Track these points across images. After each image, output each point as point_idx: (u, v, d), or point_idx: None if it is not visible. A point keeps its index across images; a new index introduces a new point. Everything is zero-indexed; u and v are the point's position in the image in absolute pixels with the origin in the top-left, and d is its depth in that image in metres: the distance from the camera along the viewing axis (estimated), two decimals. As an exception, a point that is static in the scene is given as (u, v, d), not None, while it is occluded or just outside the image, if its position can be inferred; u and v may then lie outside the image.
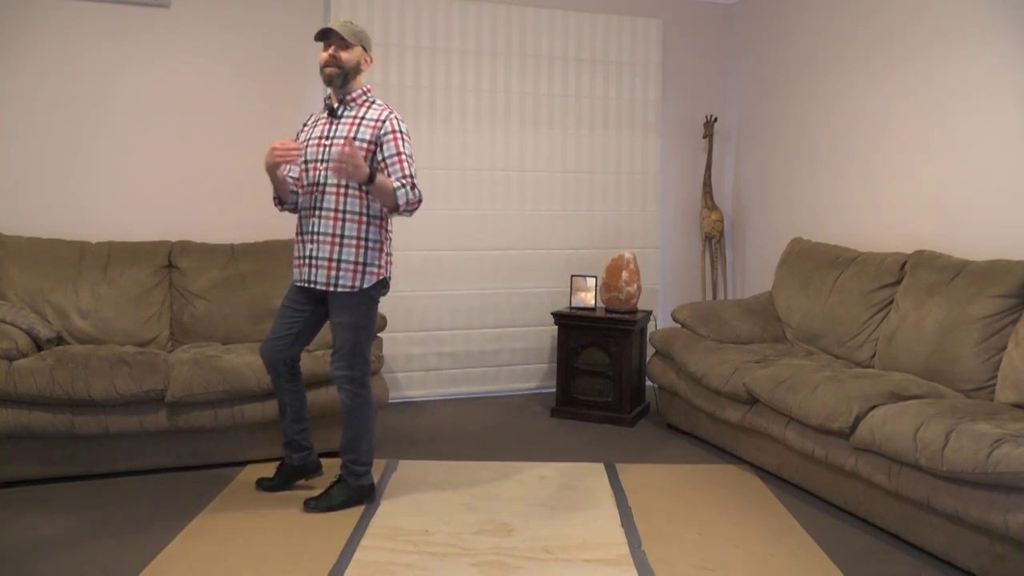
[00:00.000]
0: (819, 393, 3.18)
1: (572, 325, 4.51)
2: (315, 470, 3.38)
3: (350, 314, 3.07)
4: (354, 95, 3.12)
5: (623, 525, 3.06)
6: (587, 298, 4.61)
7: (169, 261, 4.13)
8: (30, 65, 4.10)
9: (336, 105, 3.12)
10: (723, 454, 3.92)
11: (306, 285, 3.10)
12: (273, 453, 3.65)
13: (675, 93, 5.38)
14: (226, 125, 4.46)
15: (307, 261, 3.08)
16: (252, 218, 4.47)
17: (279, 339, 3.18)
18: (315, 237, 3.06)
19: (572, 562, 2.75)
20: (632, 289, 4.50)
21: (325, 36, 3.05)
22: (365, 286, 3.06)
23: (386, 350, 4.49)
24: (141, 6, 4.25)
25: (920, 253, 3.72)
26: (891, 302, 3.74)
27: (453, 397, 4.92)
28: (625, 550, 2.85)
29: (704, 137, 5.30)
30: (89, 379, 3.30)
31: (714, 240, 5.32)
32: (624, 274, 4.51)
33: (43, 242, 3.97)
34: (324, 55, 3.06)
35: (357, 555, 2.77)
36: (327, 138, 3.08)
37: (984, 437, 2.54)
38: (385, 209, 3.09)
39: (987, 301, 3.25)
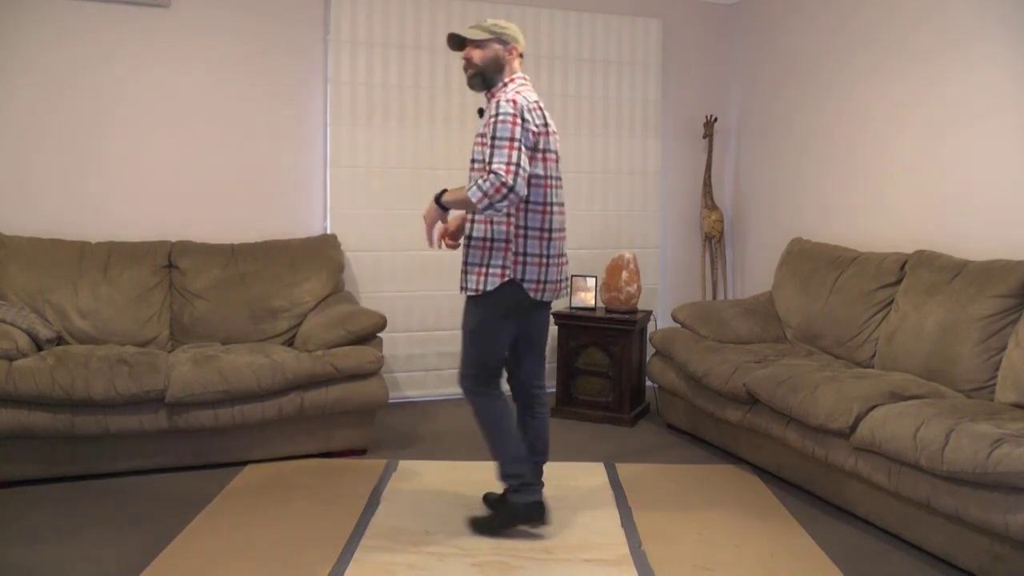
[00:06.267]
0: (819, 393, 3.18)
1: (572, 325, 4.51)
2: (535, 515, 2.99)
3: (470, 318, 2.92)
4: (493, 90, 2.91)
5: (623, 525, 3.06)
6: (587, 298, 4.60)
7: (169, 261, 4.13)
8: (29, 65, 4.10)
9: (486, 105, 2.94)
10: (723, 454, 3.91)
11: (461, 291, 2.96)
12: (273, 453, 3.65)
13: (675, 93, 5.38)
14: (226, 124, 4.46)
15: (462, 267, 2.94)
16: (252, 218, 4.48)
17: (507, 362, 3.04)
18: (464, 241, 2.93)
19: (572, 562, 2.75)
20: (632, 289, 4.50)
21: (453, 42, 2.92)
22: (488, 288, 2.82)
23: (386, 350, 4.48)
24: (140, 6, 4.25)
25: (920, 253, 3.72)
26: (891, 302, 3.74)
27: (453, 397, 4.91)
28: (625, 550, 2.85)
29: (704, 137, 5.30)
30: (89, 379, 3.30)
31: (714, 240, 5.32)
32: (624, 274, 4.51)
33: (43, 242, 3.97)
34: (462, 59, 2.92)
35: (357, 555, 2.77)
36: (477, 137, 2.87)
37: (984, 437, 2.54)
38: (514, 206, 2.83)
39: (987, 301, 3.25)
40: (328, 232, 4.57)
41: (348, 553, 2.79)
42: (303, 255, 4.30)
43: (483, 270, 2.83)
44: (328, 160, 4.61)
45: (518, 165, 2.68)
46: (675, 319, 4.37)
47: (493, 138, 2.71)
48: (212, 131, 4.44)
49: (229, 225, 4.44)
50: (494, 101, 2.82)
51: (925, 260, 3.65)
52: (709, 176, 5.27)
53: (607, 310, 4.55)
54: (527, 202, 2.85)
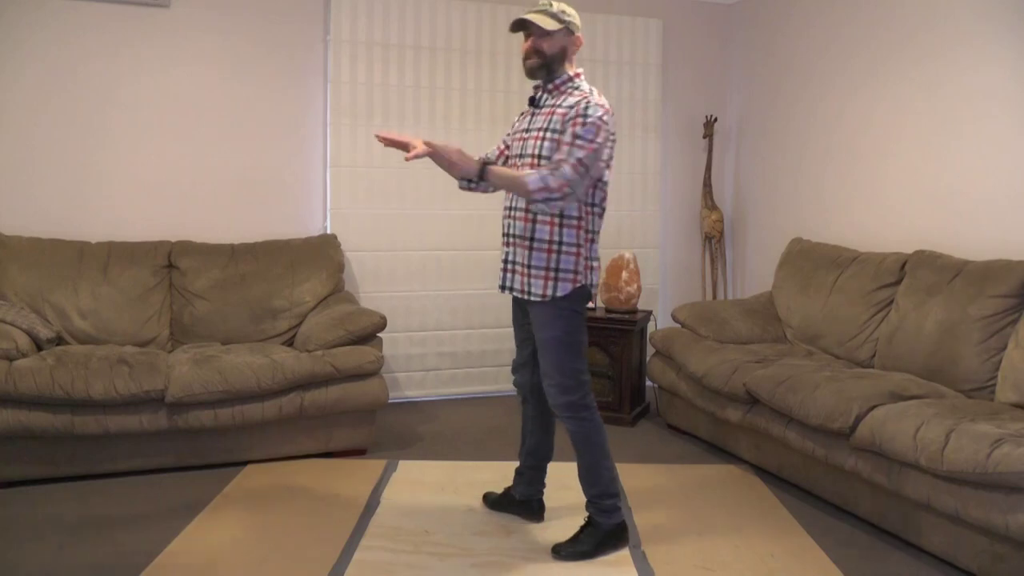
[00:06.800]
0: (819, 393, 3.18)
1: (572, 325, 4.50)
2: (534, 514, 3.10)
3: (549, 328, 2.78)
4: (557, 82, 2.79)
5: (623, 525, 3.06)
6: (587, 298, 4.60)
7: (169, 261, 4.13)
8: (29, 65, 4.10)
9: (538, 94, 2.84)
10: (723, 454, 3.91)
11: (505, 291, 2.91)
12: (273, 453, 3.65)
13: (675, 93, 5.38)
14: (226, 124, 4.46)
15: (505, 265, 2.87)
16: (252, 218, 4.48)
17: (524, 366, 3.00)
18: (511, 240, 2.82)
19: (572, 562, 2.75)
20: (632, 289, 4.50)
21: (522, 27, 2.77)
22: (558, 294, 2.73)
23: (386, 350, 4.48)
24: (140, 6, 4.25)
25: (920, 253, 3.72)
26: (891, 302, 3.74)
27: (453, 397, 4.92)
28: (625, 550, 2.85)
29: (704, 137, 5.30)
30: (89, 379, 3.30)
31: (714, 240, 5.32)
32: (624, 274, 4.51)
33: (43, 242, 3.97)
34: (524, 46, 2.77)
35: (357, 555, 2.77)
36: (526, 131, 2.81)
37: (984, 437, 2.54)
38: (585, 208, 2.75)
39: (987, 301, 3.25)
40: (328, 232, 4.57)
41: (348, 553, 2.79)
42: (303, 255, 4.31)
43: (551, 274, 2.74)
44: (328, 160, 4.61)
45: (587, 170, 2.63)
46: (675, 319, 4.37)
47: (584, 140, 2.62)
48: (212, 131, 4.44)
49: (229, 225, 4.44)
50: (578, 100, 2.70)
51: (925, 260, 3.65)
52: (709, 176, 5.27)
53: (607, 310, 4.55)
54: (593, 205, 2.78)
